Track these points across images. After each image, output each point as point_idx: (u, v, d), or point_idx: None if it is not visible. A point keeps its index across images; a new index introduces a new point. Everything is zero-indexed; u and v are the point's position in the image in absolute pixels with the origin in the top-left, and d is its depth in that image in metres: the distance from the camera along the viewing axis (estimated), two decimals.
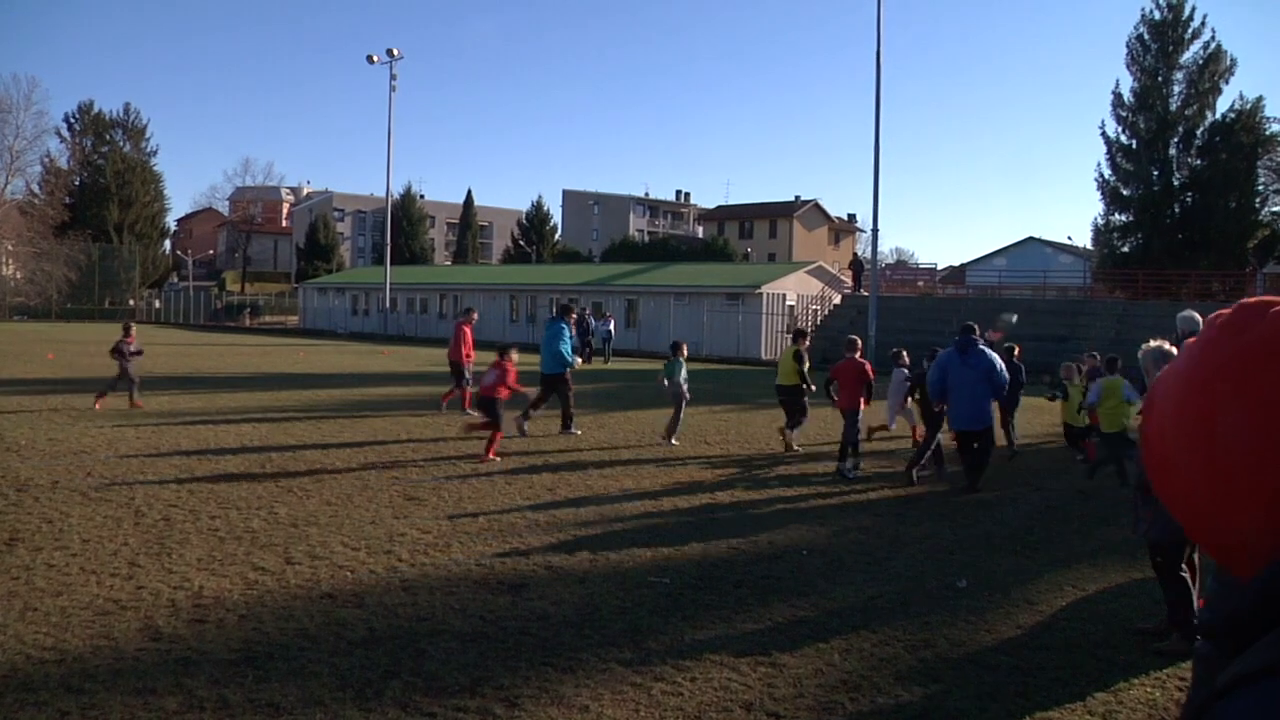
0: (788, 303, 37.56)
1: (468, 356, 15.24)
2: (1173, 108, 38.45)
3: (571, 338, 13.86)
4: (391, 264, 51.39)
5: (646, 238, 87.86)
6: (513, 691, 4.36)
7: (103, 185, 66.19)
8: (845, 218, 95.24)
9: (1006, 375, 10.12)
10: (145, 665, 4.53)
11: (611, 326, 32.06)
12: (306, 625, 5.16)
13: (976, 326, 10.24)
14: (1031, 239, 59.91)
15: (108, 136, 68.94)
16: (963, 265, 62.74)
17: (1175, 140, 38.59)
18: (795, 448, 12.14)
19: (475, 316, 15.95)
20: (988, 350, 10.02)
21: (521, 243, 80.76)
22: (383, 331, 48.04)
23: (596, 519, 7.98)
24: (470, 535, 7.26)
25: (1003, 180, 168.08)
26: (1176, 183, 38.68)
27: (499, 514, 8.03)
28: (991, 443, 10.13)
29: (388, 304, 49.47)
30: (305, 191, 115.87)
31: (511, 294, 46.37)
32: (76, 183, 67.34)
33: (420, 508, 8.17)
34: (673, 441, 12.40)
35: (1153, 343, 5.42)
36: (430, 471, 9.90)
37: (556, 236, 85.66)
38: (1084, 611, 5.94)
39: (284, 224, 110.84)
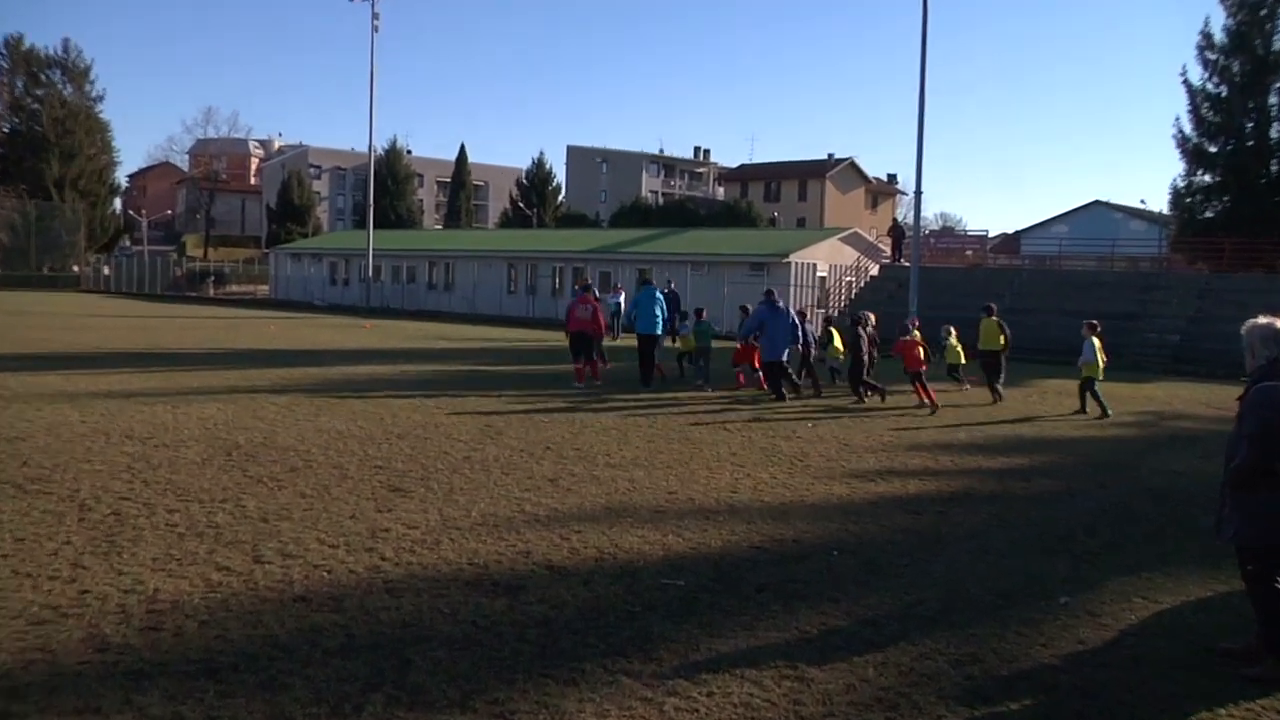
0: (819, 273, 37.45)
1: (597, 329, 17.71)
2: (1275, 47, 36.84)
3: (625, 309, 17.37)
4: (375, 227, 51.47)
5: (660, 200, 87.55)
6: (508, 706, 4.37)
7: (39, 134, 65.32)
8: (884, 179, 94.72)
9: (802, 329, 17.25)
10: (88, 680, 4.52)
11: (622, 299, 32.03)
12: (277, 632, 5.17)
13: (775, 290, 17.50)
14: (1098, 203, 59.48)
15: (43, 77, 67.75)
16: (1017, 233, 62.39)
17: (1277, 86, 36.98)
18: (1002, 396, 16.81)
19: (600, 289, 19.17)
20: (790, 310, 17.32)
21: (521, 205, 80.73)
22: (364, 303, 48.16)
23: (603, 513, 7.99)
24: (462, 531, 7.28)
25: (1065, 137, 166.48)
26: (1276, 136, 37.21)
27: (494, 507, 8.04)
28: (785, 371, 16.49)
29: (370, 272, 49.59)
30: (276, 145, 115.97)
31: (510, 261, 46.38)
32: (7, 130, 66.82)
33: (406, 500, 8.19)
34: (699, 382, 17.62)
35: (1261, 319, 5.25)
36: (418, 460, 9.91)
37: (560, 198, 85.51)
38: (1155, 626, 5.90)
39: (252, 182, 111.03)
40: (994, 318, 17.30)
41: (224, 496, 8.08)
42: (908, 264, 34.17)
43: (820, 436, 12.57)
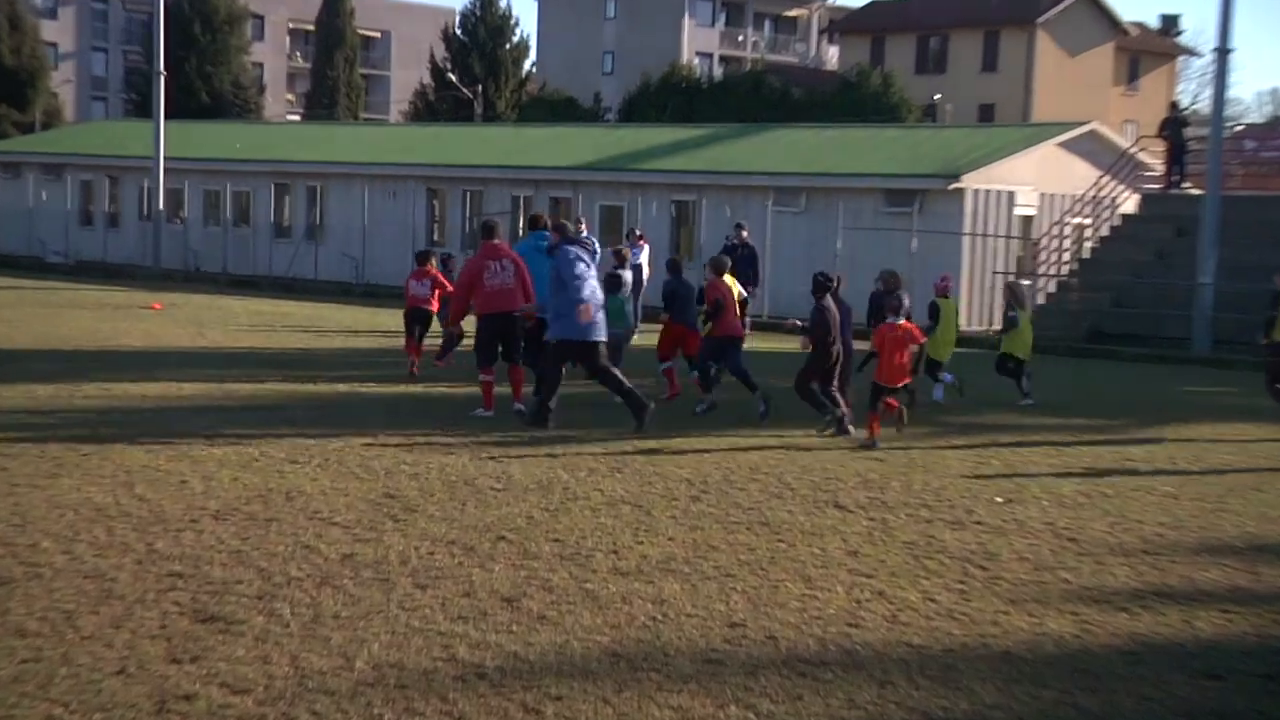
0: (1017, 209, 37.16)
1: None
2: None
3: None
4: (169, 117, 51.54)
5: (718, 70, 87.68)
6: None
7: None
8: (1154, 27, 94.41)
9: None
10: None
11: (644, 258, 31.93)
12: None
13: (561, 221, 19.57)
14: None
15: None
16: None
17: None
18: None
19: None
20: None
21: (451, 77, 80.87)
22: (149, 261, 48.32)
23: (606, 662, 7.99)
24: (337, 697, 7.25)
25: None
26: None
27: (399, 651, 8.03)
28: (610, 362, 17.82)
29: (160, 202, 49.64)
30: None
31: (430, 184, 46.41)
32: None
33: (229, 638, 8.17)
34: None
35: None
36: (252, 562, 9.93)
37: (527, 66, 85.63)
38: None
39: None
40: None
41: None
42: (1198, 190, 33.94)
43: (1019, 521, 12.57)
